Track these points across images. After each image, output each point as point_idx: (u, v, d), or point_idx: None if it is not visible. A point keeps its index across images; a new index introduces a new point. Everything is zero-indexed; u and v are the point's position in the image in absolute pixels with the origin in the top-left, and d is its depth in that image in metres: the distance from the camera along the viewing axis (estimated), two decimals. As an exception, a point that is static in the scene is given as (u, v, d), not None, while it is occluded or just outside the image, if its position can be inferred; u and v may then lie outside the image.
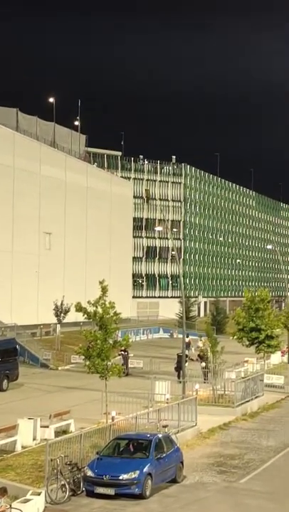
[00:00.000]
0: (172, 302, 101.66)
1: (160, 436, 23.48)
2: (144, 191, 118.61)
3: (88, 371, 30.41)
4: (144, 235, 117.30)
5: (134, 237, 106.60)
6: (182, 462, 23.60)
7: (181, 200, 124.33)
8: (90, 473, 21.16)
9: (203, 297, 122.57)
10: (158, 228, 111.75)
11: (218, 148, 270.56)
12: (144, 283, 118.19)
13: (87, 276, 73.49)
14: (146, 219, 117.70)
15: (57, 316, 60.81)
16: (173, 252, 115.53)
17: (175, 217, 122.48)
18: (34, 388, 41.86)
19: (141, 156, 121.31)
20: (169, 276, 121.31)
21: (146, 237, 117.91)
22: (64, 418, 29.39)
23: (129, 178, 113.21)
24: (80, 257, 78.15)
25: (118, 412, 29.32)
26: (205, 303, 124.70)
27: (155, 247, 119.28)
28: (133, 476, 20.77)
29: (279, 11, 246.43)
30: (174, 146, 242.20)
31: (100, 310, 30.00)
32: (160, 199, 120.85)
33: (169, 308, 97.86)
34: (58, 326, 61.04)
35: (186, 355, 43.79)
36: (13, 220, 67.40)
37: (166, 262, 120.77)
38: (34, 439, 26.73)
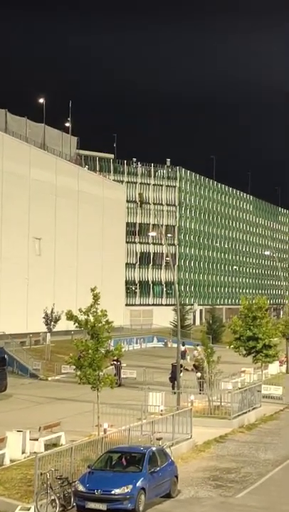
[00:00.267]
0: (166, 310, 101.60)
1: (154, 449, 23.44)
2: (137, 195, 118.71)
3: (79, 382, 30.35)
4: (137, 240, 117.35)
5: (127, 242, 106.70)
6: (177, 476, 23.56)
7: (176, 204, 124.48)
8: (81, 487, 21.10)
9: (198, 305, 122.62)
10: (152, 233, 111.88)
11: (214, 150, 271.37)
12: (138, 290, 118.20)
13: (79, 283, 73.54)
14: (140, 224, 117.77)
15: (47, 324, 60.75)
16: (167, 258, 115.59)
17: (169, 222, 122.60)
18: (23, 399, 41.78)
19: (134, 159, 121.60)
20: (163, 283, 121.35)
21: (140, 243, 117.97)
22: (54, 430, 29.33)
23: (122, 182, 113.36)
24: (71, 263, 78.18)
25: (110, 425, 29.29)
26: (200, 311, 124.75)
27: (149, 252, 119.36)
28: (126, 491, 20.72)
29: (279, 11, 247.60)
30: (168, 148, 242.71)
31: (91, 318, 29.97)
32: (154, 203, 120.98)
33: (163, 317, 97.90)
34: (48, 334, 60.96)
35: (181, 365, 43.77)
36: (2, 225, 67.43)
37: (161, 269, 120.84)
38: (23, 452, 26.68)
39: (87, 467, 22.25)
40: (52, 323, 60.48)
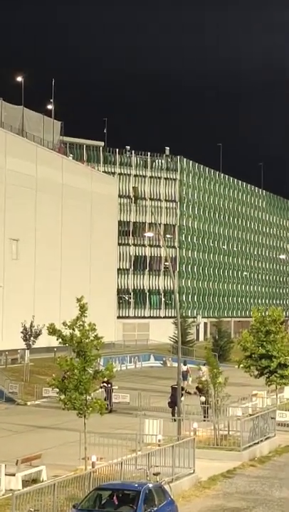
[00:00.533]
0: (165, 323, 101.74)
1: (150, 486, 23.43)
2: (131, 189, 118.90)
3: (63, 407, 30.39)
4: (131, 242, 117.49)
5: (119, 244, 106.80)
6: (177, 517, 23.60)
7: (176, 200, 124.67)
8: (65, 531, 21.11)
9: (202, 317, 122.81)
10: (148, 234, 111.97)
11: (221, 138, 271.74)
12: (132, 300, 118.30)
13: (63, 292, 73.57)
14: (134, 223, 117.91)
15: (25, 340, 60.77)
16: (166, 263, 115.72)
17: (169, 221, 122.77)
18: (-2, 428, 41.83)
19: (127, 147, 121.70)
20: (161, 292, 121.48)
21: (134, 245, 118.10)
22: (34, 464, 29.33)
23: (113, 174, 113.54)
24: (54, 268, 78.18)
25: (100, 457, 29.30)
26: (205, 324, 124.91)
27: (145, 256, 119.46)
28: (118, 535, 20.73)
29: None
30: (167, 135, 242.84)
31: (77, 333, 30.00)
32: (151, 199, 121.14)
33: (162, 331, 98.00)
34: (27, 352, 61.01)
35: (182, 388, 43.78)
36: (-27, 224, 67.47)
37: (158, 275, 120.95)
38: (-3, 489, 26.69)
39: (72, 507, 22.23)
40: (31, 338, 60.50)
